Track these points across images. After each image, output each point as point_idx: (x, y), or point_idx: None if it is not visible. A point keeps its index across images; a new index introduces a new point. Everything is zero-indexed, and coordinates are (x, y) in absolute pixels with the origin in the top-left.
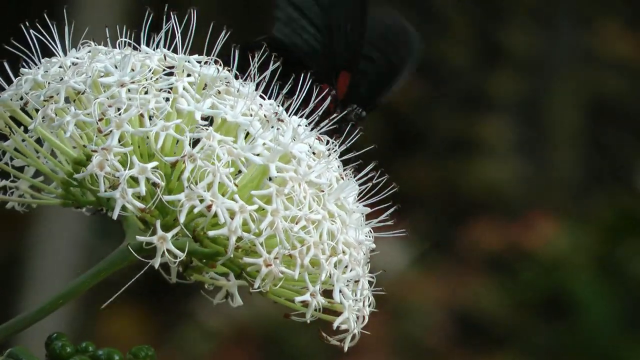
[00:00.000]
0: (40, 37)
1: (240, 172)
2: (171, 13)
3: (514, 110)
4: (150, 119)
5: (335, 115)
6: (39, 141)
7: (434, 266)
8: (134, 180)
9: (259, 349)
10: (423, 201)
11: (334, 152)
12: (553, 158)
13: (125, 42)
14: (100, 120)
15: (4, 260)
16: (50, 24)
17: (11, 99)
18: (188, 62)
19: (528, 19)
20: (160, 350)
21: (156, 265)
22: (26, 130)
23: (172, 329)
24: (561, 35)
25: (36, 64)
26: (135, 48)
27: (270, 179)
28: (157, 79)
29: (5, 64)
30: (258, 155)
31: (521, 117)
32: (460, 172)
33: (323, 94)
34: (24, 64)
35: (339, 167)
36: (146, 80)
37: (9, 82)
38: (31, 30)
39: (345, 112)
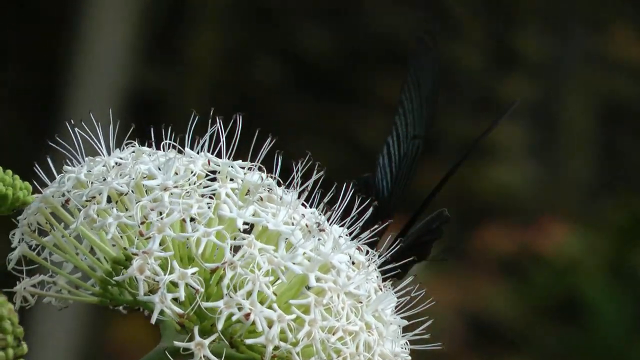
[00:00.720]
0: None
1: (279, 278)
2: (217, 118)
3: (526, 114)
4: (192, 221)
5: (376, 227)
6: (78, 238)
7: (446, 270)
8: (174, 284)
9: None
10: (435, 204)
11: (374, 262)
12: (565, 162)
13: (169, 144)
14: (142, 223)
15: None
16: (95, 123)
17: (53, 196)
18: (232, 167)
19: (541, 23)
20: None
21: None
22: (66, 227)
23: None
24: (573, 40)
25: (79, 162)
26: (180, 151)
27: (308, 288)
28: (200, 183)
29: (49, 159)
30: (298, 264)
31: (534, 121)
32: (473, 175)
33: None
34: (67, 161)
35: (378, 277)
36: (189, 184)
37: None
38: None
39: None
